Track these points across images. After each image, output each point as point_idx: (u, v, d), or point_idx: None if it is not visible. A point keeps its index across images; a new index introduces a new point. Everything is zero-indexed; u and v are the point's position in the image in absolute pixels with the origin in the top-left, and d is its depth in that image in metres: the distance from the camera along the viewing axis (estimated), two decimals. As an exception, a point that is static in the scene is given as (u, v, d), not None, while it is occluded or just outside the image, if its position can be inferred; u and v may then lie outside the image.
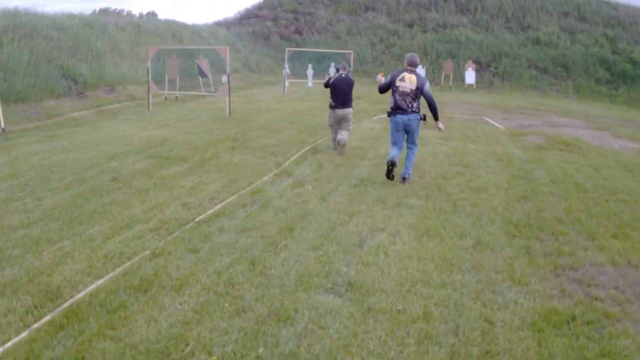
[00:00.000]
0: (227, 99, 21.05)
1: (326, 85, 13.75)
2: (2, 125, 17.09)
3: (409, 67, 10.63)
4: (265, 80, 39.81)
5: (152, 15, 63.28)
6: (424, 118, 10.78)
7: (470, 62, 40.77)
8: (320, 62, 40.31)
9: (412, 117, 10.57)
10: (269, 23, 52.33)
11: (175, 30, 40.76)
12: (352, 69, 31.98)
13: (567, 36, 45.29)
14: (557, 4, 49.29)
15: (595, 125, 23.26)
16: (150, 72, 23.60)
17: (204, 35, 44.02)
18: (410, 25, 49.45)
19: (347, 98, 13.50)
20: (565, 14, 48.35)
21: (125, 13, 66.31)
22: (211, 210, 8.96)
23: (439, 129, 11.16)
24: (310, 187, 10.57)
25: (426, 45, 46.31)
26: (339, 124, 13.76)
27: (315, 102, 26.59)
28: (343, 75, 13.57)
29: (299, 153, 13.85)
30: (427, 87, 10.52)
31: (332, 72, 35.77)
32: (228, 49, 21.17)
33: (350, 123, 13.87)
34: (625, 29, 45.87)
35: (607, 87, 40.30)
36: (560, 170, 12.96)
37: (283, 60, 36.76)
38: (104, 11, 59.58)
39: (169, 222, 8.36)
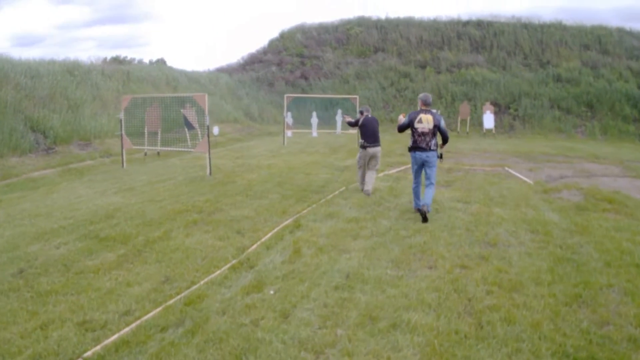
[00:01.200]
0: (207, 156, 17.98)
1: (355, 124, 15.05)
2: None
3: (423, 107, 11.67)
4: (267, 131, 37.24)
5: (160, 62, 61.14)
6: (440, 157, 11.87)
7: (488, 104, 37.89)
8: (327, 109, 37.33)
9: (430, 154, 11.63)
10: (274, 68, 49.84)
11: (170, 76, 38.64)
12: (358, 114, 29.05)
13: (590, 71, 42.33)
14: (577, 36, 46.49)
15: (633, 172, 20.61)
16: (123, 124, 20.71)
17: (203, 82, 41.92)
18: (423, 66, 46.96)
19: (377, 136, 14.45)
20: (586, 47, 45.51)
21: (136, 62, 64.94)
22: (111, 339, 6.08)
23: (441, 153, 11.98)
24: (272, 292, 7.59)
25: (440, 86, 43.71)
26: (368, 163, 14.46)
27: (316, 156, 23.95)
28: (369, 116, 14.75)
29: (274, 230, 10.95)
30: (443, 123, 11.68)
31: (338, 119, 33.39)
32: (207, 96, 18.12)
33: (379, 162, 14.75)
34: None
35: (635, 126, 37.63)
36: (612, 244, 9.95)
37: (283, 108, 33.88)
38: (115, 60, 57.71)
39: (44, 358, 5.61)
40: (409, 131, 11.97)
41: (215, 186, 15.88)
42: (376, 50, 50.53)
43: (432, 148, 11.56)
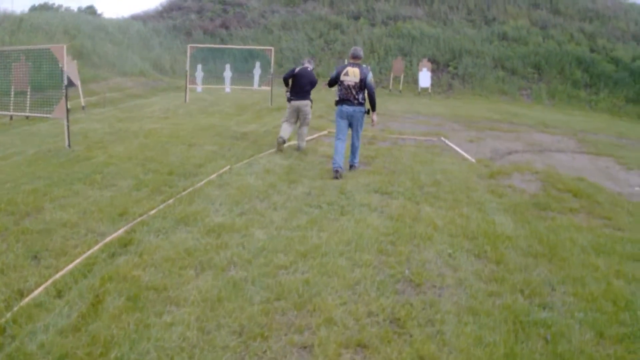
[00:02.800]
0: (65, 123, 13.78)
1: (287, 77, 13.91)
2: None
3: (352, 61, 11.52)
4: (175, 85, 32.86)
5: (90, 10, 56.56)
6: (368, 112, 11.70)
7: (425, 61, 34.67)
8: (247, 61, 32.98)
9: (357, 109, 11.49)
10: (193, 16, 45.90)
11: (70, 25, 34.56)
12: (271, 69, 25.39)
13: (539, 31, 40.08)
14: None
15: (591, 147, 18.02)
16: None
17: (111, 30, 37.96)
18: (356, 18, 43.08)
19: (305, 89, 13.70)
20: (536, 6, 43.04)
21: (63, 9, 61.09)
22: None
23: (372, 121, 12.06)
24: None
25: (373, 40, 40.26)
26: (296, 117, 13.88)
27: (215, 117, 20.20)
28: (309, 69, 13.88)
29: (87, 253, 6.90)
30: (370, 77, 11.43)
31: (256, 73, 29.56)
32: (65, 48, 13.74)
33: (308, 117, 14.05)
34: (605, 24, 40.92)
35: (586, 92, 35.38)
36: (598, 286, 6.63)
37: (196, 59, 29.83)
38: (43, 7, 53.84)
39: None
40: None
41: (63, 165, 11.85)
42: None
43: (360, 102, 11.44)
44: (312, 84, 13.87)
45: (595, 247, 7.92)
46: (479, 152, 15.62)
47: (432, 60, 36.98)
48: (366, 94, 11.62)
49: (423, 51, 38.63)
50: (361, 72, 11.33)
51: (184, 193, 9.65)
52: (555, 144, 18.29)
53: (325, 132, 17.36)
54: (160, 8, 49.84)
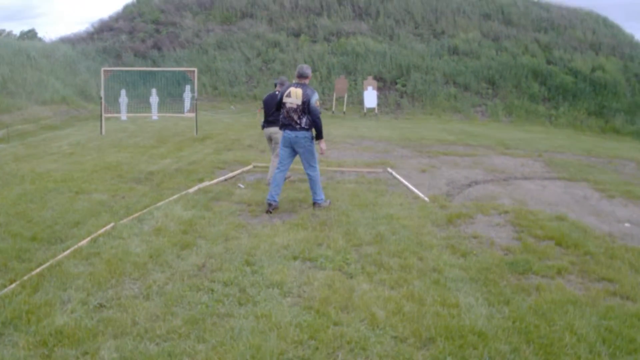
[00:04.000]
0: None
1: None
2: None
3: (297, 80, 10.52)
4: (99, 113, 29.83)
5: (32, 34, 53.98)
6: (316, 137, 10.51)
7: (370, 78, 32.45)
8: (179, 84, 29.84)
9: (300, 134, 10.36)
10: (124, 37, 43.17)
11: None
12: (195, 93, 22.71)
13: (491, 43, 38.46)
14: (476, 5, 42.22)
15: (560, 170, 16.06)
16: None
17: (33, 55, 35.04)
18: (297, 35, 40.88)
19: (275, 115, 11.82)
20: (487, 17, 41.39)
21: (5, 34, 58.53)
22: None
23: (321, 150, 10.83)
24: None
25: (315, 58, 38.02)
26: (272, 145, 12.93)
27: (127, 152, 17.50)
28: (277, 92, 12.08)
29: None
30: (314, 100, 10.28)
31: (187, 97, 26.63)
32: None
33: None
34: (560, 34, 39.67)
35: (545, 106, 33.92)
36: None
37: (120, 84, 27.02)
38: None
39: None
40: None
41: None
42: (243, 16, 44.22)
43: (303, 127, 10.35)
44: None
45: (606, 338, 5.54)
46: (433, 185, 13.23)
47: (379, 78, 34.97)
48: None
49: (368, 68, 36.54)
50: (304, 94, 10.24)
51: (34, 272, 6.90)
52: (520, 168, 16.09)
53: (249, 167, 14.72)
54: (91, 29, 46.96)
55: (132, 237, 8.59)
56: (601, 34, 40.35)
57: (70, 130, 24.19)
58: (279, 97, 10.68)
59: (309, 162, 10.61)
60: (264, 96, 13.26)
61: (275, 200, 10.43)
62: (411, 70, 36.20)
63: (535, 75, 35.15)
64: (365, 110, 32.12)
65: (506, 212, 10.68)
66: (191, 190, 11.76)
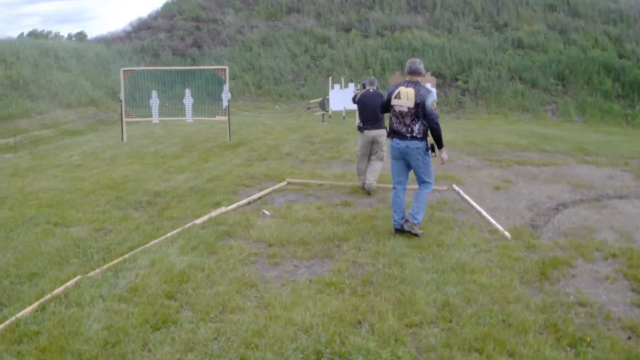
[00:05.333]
0: None
1: (354, 100, 12.18)
2: None
3: (408, 78, 8.66)
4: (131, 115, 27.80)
5: (81, 36, 53.09)
6: (432, 148, 8.61)
7: (428, 75, 28.99)
8: (220, 83, 27.49)
9: (412, 144, 8.52)
10: (162, 35, 41.46)
11: (14, 49, 30.23)
12: (227, 94, 20.25)
13: (558, 36, 35.29)
14: None
15: None
16: None
17: (62, 55, 33.42)
18: (347, 29, 38.64)
19: (378, 115, 11.14)
20: (552, 8, 38.40)
21: (52, 35, 58.02)
22: None
23: (442, 160, 8.89)
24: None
25: (367, 53, 35.46)
26: (371, 151, 11.55)
27: (140, 165, 15.03)
28: (371, 91, 11.69)
29: None
30: (430, 102, 8.38)
31: (225, 98, 24.30)
32: None
33: (384, 149, 11.41)
34: (631, 25, 36.19)
35: (619, 104, 30.34)
36: None
37: (151, 84, 24.79)
38: (32, 34, 53.31)
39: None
40: None
41: None
42: (289, 11, 42.18)
43: (415, 135, 8.45)
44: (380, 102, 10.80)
45: None
46: (512, 210, 10.45)
47: (437, 74, 31.93)
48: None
49: (426, 64, 32.00)
50: (417, 94, 8.43)
51: None
52: (609, 182, 13.21)
53: (282, 184, 12.09)
54: (129, 28, 45.36)
55: (95, 302, 6.14)
56: (675, 25, 37.49)
57: (92, 136, 22.05)
58: (385, 96, 8.97)
59: (422, 177, 8.81)
60: (356, 96, 12.06)
61: (401, 225, 8.60)
62: (473, 66, 33.36)
63: (607, 70, 31.89)
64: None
65: (613, 255, 7.91)
66: (198, 221, 9.17)
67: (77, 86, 30.03)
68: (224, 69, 20.41)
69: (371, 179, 11.34)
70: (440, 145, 8.67)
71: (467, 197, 11.07)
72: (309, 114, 27.11)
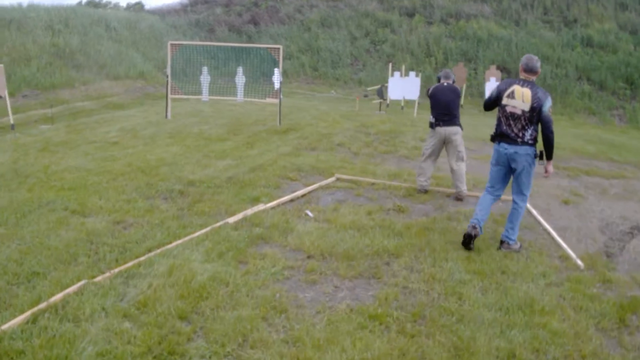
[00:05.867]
0: None
1: (427, 93, 10.93)
2: None
3: (523, 76, 7.76)
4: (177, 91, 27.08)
5: (139, 7, 52.83)
6: (540, 156, 7.84)
7: (493, 68, 27.96)
8: (274, 64, 26.34)
9: (522, 150, 7.72)
10: (219, 10, 40.92)
11: (58, 19, 29.62)
12: (279, 77, 19.15)
13: (629, 37, 33.44)
14: None
15: None
16: None
17: (114, 25, 33.15)
18: (411, 15, 37.02)
19: (453, 111, 10.34)
20: (623, 6, 36.46)
21: (112, 5, 58.01)
22: None
23: (546, 172, 8.03)
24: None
25: (430, 42, 33.86)
26: (442, 150, 10.64)
27: (180, 147, 14.04)
28: (446, 84, 10.56)
29: None
30: (547, 107, 7.55)
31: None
32: None
33: (461, 148, 10.41)
34: None
35: None
36: None
37: (201, 60, 24.09)
38: (90, 4, 50.65)
39: None
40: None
41: None
42: None
43: (526, 140, 7.65)
44: (458, 96, 10.64)
45: None
46: (583, 231, 9.28)
47: (502, 68, 30.49)
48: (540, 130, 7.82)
49: (491, 56, 32.20)
50: (534, 97, 7.59)
51: None
52: None
53: (331, 179, 11.05)
54: (185, 1, 44.88)
55: (95, 317, 5.28)
56: None
57: (135, 111, 21.25)
58: (494, 92, 8.06)
59: (521, 188, 8.06)
60: (429, 89, 10.89)
61: (479, 225, 7.84)
62: (539, 62, 31.28)
63: None
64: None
65: None
66: (232, 219, 8.18)
67: (126, 58, 29.52)
68: (278, 49, 19.26)
69: (461, 186, 10.46)
70: (550, 155, 7.91)
71: (534, 211, 9.93)
72: (366, 101, 25.99)
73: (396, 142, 15.95)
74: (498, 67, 28.90)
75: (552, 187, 12.02)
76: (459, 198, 10.41)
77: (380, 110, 24.17)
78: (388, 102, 24.76)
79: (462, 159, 10.42)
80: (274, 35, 36.42)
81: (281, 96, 18.86)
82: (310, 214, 8.90)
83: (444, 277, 6.74)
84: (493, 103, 8.19)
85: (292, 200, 9.64)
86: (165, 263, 6.45)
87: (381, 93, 24.71)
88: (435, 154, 10.61)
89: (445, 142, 10.46)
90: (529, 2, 37.45)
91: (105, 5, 47.58)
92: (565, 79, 30.55)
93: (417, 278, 6.65)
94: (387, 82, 25.18)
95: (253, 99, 21.58)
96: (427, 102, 10.90)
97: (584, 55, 32.08)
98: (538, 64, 7.81)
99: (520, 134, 7.71)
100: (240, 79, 24.06)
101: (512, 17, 36.58)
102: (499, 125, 8.00)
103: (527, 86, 7.65)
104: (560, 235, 8.66)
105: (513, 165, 7.93)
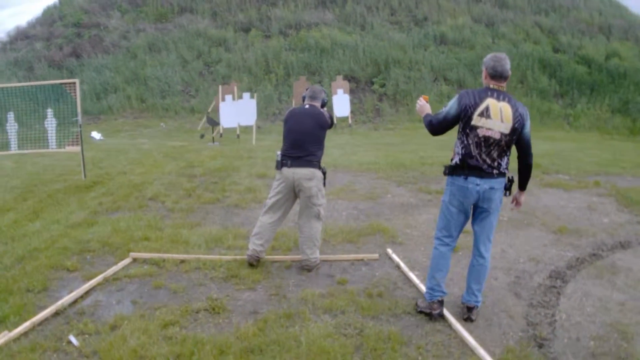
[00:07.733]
0: None
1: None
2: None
3: (493, 84, 5.70)
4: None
5: None
6: (509, 186, 5.98)
7: (339, 79, 25.52)
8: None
9: (498, 184, 5.82)
10: (38, 45, 37.50)
11: None
12: (78, 116, 15.43)
13: (485, 30, 33.81)
14: None
15: None
16: None
17: None
18: (246, 30, 35.16)
19: (307, 146, 7.35)
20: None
21: None
22: None
23: (516, 204, 6.31)
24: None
25: (269, 56, 32.03)
26: (290, 200, 7.62)
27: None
28: (307, 107, 7.64)
29: None
30: (529, 126, 5.81)
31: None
32: None
33: (319, 201, 7.40)
34: (564, 16, 36.01)
35: (558, 104, 28.82)
36: None
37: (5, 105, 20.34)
38: None
39: None
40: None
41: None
42: (182, 12, 38.38)
43: (502, 171, 5.80)
44: (319, 124, 7.40)
45: None
46: (489, 299, 6.63)
47: (350, 78, 29.11)
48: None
49: (336, 66, 30.54)
50: (515, 114, 5.55)
51: None
52: (594, 218, 10.16)
53: (126, 262, 7.72)
54: (7, 39, 41.25)
55: None
56: (609, 15, 36.95)
57: None
58: (455, 109, 5.70)
59: (489, 234, 6.03)
60: (286, 112, 8.41)
61: (443, 295, 5.96)
62: (390, 66, 30.47)
63: (543, 66, 30.47)
64: (334, 122, 25.18)
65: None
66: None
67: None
68: (74, 82, 15.74)
69: (313, 253, 7.46)
70: (524, 185, 6.23)
71: (413, 276, 6.96)
72: (197, 138, 23.02)
73: (226, 184, 12.74)
74: (345, 77, 27.21)
75: (428, 224, 9.35)
76: (307, 268, 7.40)
77: (213, 142, 21.14)
78: (221, 130, 21.86)
79: (316, 217, 7.52)
80: (98, 66, 33.59)
81: (82, 141, 15.22)
82: (74, 341, 5.43)
83: None
84: (451, 123, 5.93)
85: (57, 314, 6.07)
86: None
87: (212, 121, 21.85)
88: (281, 206, 7.61)
89: (294, 190, 7.50)
90: (374, 4, 36.68)
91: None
92: (421, 82, 29.46)
93: None
94: (210, 108, 22.96)
95: (39, 150, 17.17)
96: (268, 126, 7.82)
97: (439, 54, 31.56)
98: (508, 65, 5.75)
99: (496, 164, 5.79)
100: (50, 122, 20.32)
101: (357, 22, 35.36)
102: (467, 154, 5.84)
103: (503, 99, 5.66)
104: (458, 321, 5.76)
105: (484, 205, 5.94)
